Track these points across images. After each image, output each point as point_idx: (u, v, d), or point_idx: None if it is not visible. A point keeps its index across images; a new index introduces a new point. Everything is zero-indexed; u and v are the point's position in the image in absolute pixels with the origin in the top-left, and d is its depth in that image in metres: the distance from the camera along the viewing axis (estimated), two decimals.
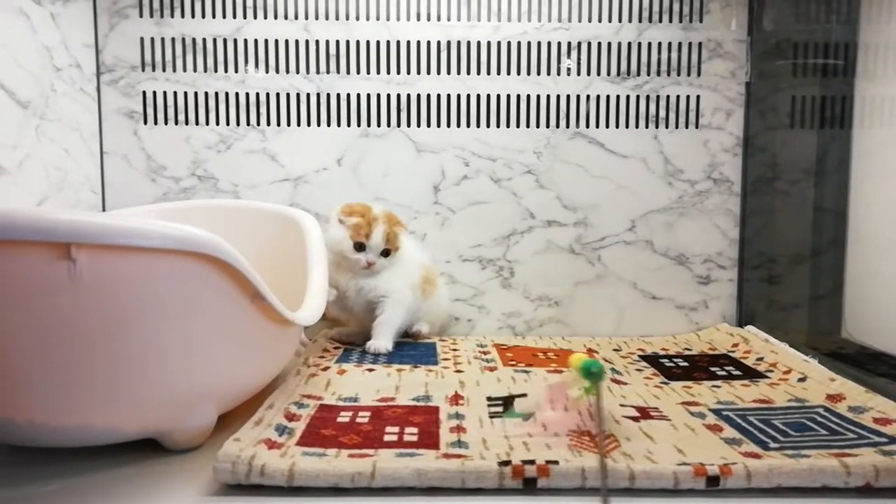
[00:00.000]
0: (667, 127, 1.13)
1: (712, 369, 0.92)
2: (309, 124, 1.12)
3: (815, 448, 0.63)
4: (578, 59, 1.12)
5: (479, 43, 1.12)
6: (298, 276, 0.85)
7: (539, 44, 1.12)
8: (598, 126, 1.13)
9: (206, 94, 1.11)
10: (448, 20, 1.11)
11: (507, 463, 0.58)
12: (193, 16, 1.10)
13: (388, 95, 1.12)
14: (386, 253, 1.00)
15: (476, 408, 0.75)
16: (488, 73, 1.12)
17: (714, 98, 1.13)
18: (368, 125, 1.12)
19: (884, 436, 0.66)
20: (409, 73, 1.12)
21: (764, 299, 1.14)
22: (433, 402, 0.77)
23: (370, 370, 0.90)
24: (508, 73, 1.12)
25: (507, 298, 1.15)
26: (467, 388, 0.82)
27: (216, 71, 1.11)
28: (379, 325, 1.00)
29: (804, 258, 1.12)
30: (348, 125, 1.12)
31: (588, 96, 1.13)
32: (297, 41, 1.11)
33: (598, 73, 1.12)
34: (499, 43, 1.12)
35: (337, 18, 1.11)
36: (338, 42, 1.11)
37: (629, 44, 1.12)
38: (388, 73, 1.12)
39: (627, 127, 1.13)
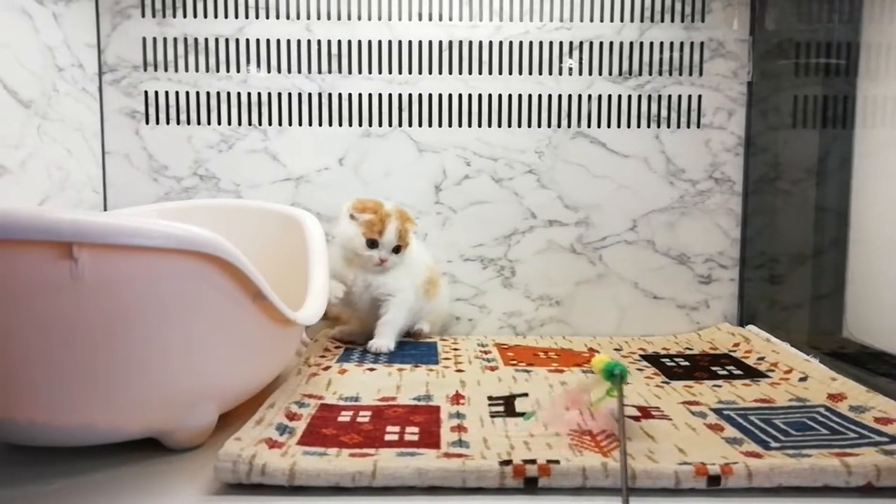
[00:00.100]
0: (668, 126, 1.13)
1: (713, 369, 0.92)
2: (311, 124, 1.12)
3: (816, 448, 0.63)
4: (580, 58, 1.12)
5: (480, 43, 1.12)
6: (300, 275, 0.85)
7: (541, 43, 1.12)
8: (599, 126, 1.13)
9: (208, 93, 1.11)
10: (450, 20, 1.11)
11: (508, 462, 0.58)
12: (195, 16, 1.10)
13: (390, 95, 1.12)
14: (397, 249, 1.00)
15: (477, 407, 0.75)
16: (490, 72, 1.12)
17: (716, 98, 1.13)
18: (370, 125, 1.13)
19: (885, 435, 0.66)
20: (410, 72, 1.12)
21: (765, 299, 1.14)
22: (434, 402, 0.77)
23: (371, 370, 0.90)
24: (510, 73, 1.12)
25: (509, 298, 1.15)
26: (468, 388, 0.82)
27: (218, 71, 1.11)
28: (382, 325, 1.00)
29: (806, 258, 1.12)
30: (350, 125, 1.12)
31: (590, 96, 1.13)
32: (298, 41, 1.11)
33: (600, 73, 1.12)
34: (500, 43, 1.12)
35: (339, 18, 1.11)
36: (339, 42, 1.11)
37: (631, 43, 1.12)
38: (390, 72, 1.12)
39: (629, 126, 1.13)
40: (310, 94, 1.12)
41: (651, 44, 1.12)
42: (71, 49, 1.02)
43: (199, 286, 0.61)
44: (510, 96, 1.12)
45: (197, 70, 1.11)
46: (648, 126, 1.13)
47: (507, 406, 0.75)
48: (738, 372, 0.90)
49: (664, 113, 1.13)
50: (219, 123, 1.12)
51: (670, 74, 1.12)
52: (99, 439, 0.63)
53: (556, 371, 0.90)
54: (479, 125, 1.13)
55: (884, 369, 0.88)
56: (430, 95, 1.12)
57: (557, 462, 0.58)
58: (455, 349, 1.02)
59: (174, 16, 1.10)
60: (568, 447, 0.63)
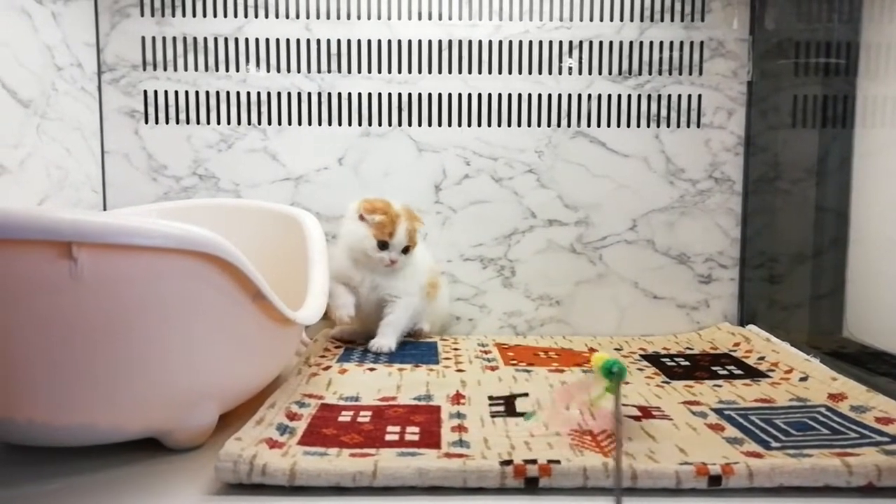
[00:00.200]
0: (668, 126, 1.13)
1: (714, 369, 0.92)
2: (310, 123, 1.12)
3: (816, 447, 0.63)
4: (580, 58, 1.12)
5: (480, 42, 1.11)
6: (299, 275, 0.85)
7: (540, 43, 1.12)
8: (599, 125, 1.13)
9: (208, 93, 1.11)
10: (449, 19, 1.11)
11: (508, 462, 0.58)
12: (195, 15, 1.10)
13: (390, 95, 1.12)
14: (406, 249, 0.99)
15: (477, 407, 0.75)
16: (489, 72, 1.12)
17: (715, 97, 1.12)
18: (370, 124, 1.12)
19: (886, 435, 0.66)
20: (410, 72, 1.12)
21: (765, 298, 1.14)
22: (434, 402, 0.77)
23: (371, 369, 0.90)
24: (510, 73, 1.12)
25: (509, 298, 1.15)
26: (468, 388, 0.82)
27: (217, 70, 1.11)
28: (385, 326, 1.00)
29: (805, 257, 1.12)
30: (349, 124, 1.12)
31: (589, 95, 1.13)
32: (298, 40, 1.11)
33: (600, 73, 1.12)
34: (500, 42, 1.12)
35: (338, 17, 1.11)
36: (339, 41, 1.11)
37: (630, 43, 1.12)
38: (390, 72, 1.12)
39: (629, 126, 1.13)
40: (309, 94, 1.12)
41: (651, 43, 1.12)
42: (70, 48, 1.01)
43: (198, 286, 0.61)
44: (510, 96, 1.12)
45: (196, 69, 1.11)
46: (648, 126, 1.13)
47: (507, 406, 0.75)
48: (739, 372, 0.90)
49: (664, 112, 1.13)
50: (218, 123, 1.11)
51: (670, 74, 1.12)
52: (99, 439, 0.63)
53: (557, 371, 0.90)
54: (479, 125, 1.13)
55: (884, 369, 0.88)
56: (430, 95, 1.12)
57: (558, 462, 0.58)
58: (455, 349, 1.02)
59: (173, 15, 1.10)
60: (569, 447, 0.63)
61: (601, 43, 1.12)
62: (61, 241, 0.53)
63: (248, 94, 1.11)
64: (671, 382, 0.86)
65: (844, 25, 1.07)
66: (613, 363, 0.67)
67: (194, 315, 0.62)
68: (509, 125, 1.13)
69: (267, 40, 1.11)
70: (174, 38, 1.10)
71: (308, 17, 1.10)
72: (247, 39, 1.10)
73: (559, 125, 1.13)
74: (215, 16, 1.10)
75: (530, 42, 1.12)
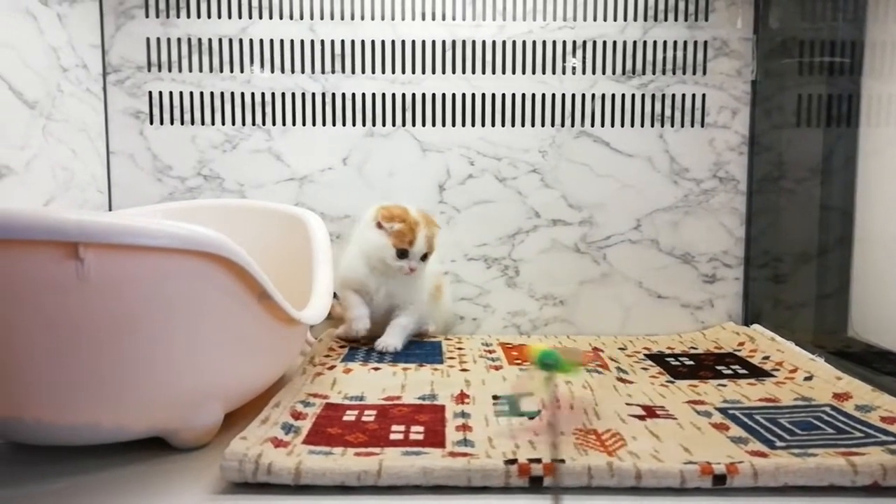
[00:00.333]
0: (672, 126, 1.13)
1: (718, 368, 0.91)
2: (314, 124, 1.12)
3: (821, 447, 0.63)
4: (583, 58, 1.12)
5: (484, 42, 1.12)
6: (304, 275, 0.85)
7: (544, 43, 1.12)
8: (603, 125, 1.13)
9: (212, 94, 1.11)
10: (453, 20, 1.11)
11: (513, 461, 0.58)
12: (199, 16, 1.10)
13: (394, 95, 1.12)
14: (424, 256, 0.98)
15: (482, 406, 0.75)
16: (493, 72, 1.12)
17: (720, 97, 1.12)
18: (374, 125, 1.13)
19: (891, 434, 0.65)
20: (414, 72, 1.12)
21: (770, 298, 1.14)
22: (439, 401, 0.77)
23: (376, 369, 0.90)
24: (514, 73, 1.12)
25: (513, 297, 1.15)
26: (473, 387, 0.82)
27: (222, 71, 1.11)
28: (394, 326, 1.00)
29: (810, 257, 1.12)
30: (353, 125, 1.13)
31: (593, 95, 1.13)
32: (302, 41, 1.11)
33: (604, 72, 1.12)
34: (504, 42, 1.12)
35: (342, 18, 1.11)
36: (343, 42, 1.11)
37: (634, 42, 1.12)
38: (394, 72, 1.12)
39: (633, 126, 1.13)
40: (313, 94, 1.12)
41: (654, 43, 1.12)
42: (75, 50, 1.02)
43: (204, 286, 0.61)
44: (514, 96, 1.12)
45: (201, 70, 1.11)
46: (652, 125, 1.13)
47: (511, 405, 0.75)
48: (743, 371, 0.90)
49: (668, 112, 1.13)
50: (223, 123, 1.12)
51: (674, 73, 1.12)
52: (105, 438, 0.63)
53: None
54: (483, 125, 1.13)
55: (889, 368, 0.88)
56: (434, 95, 1.12)
57: (563, 461, 0.58)
58: (459, 348, 1.02)
59: (178, 16, 1.10)
60: (573, 446, 0.63)
61: (605, 43, 1.12)
62: (67, 242, 0.53)
63: (253, 94, 1.12)
64: (675, 382, 0.86)
65: (849, 24, 1.07)
66: (547, 355, 0.67)
67: (200, 315, 0.62)
68: (513, 125, 1.13)
69: (271, 41, 1.11)
70: (179, 40, 1.10)
71: (312, 18, 1.11)
72: (251, 40, 1.11)
73: (563, 125, 1.13)
74: (220, 17, 1.10)
75: (534, 42, 1.12)
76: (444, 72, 1.12)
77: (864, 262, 1.06)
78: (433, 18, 1.11)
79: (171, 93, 1.11)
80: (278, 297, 0.67)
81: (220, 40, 1.11)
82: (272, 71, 1.11)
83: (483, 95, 1.12)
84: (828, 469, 0.58)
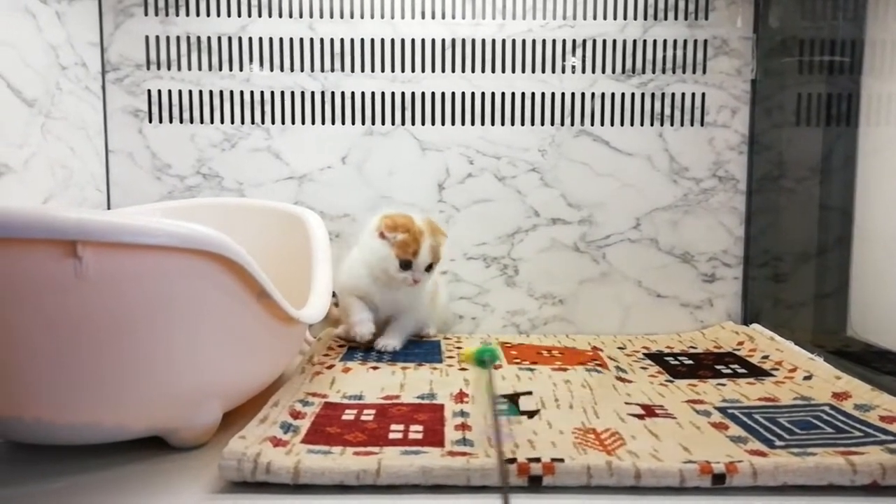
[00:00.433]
0: (672, 125, 1.13)
1: (717, 367, 0.91)
2: (314, 122, 1.12)
3: (821, 446, 0.63)
4: (583, 56, 1.12)
5: (483, 41, 1.11)
6: (303, 273, 0.85)
7: (544, 41, 1.12)
8: (602, 124, 1.13)
9: (211, 92, 1.11)
10: (453, 18, 1.11)
11: (512, 461, 0.58)
12: (198, 14, 1.10)
13: (393, 93, 1.12)
14: (429, 267, 0.96)
15: (481, 406, 0.75)
16: (493, 71, 1.12)
17: (719, 96, 1.12)
18: (373, 123, 1.12)
19: (890, 434, 0.65)
20: (413, 71, 1.12)
21: (769, 297, 1.14)
22: (438, 400, 0.77)
23: (375, 368, 0.90)
24: (513, 71, 1.12)
25: (512, 296, 1.15)
26: (472, 386, 0.82)
27: (221, 69, 1.11)
28: (393, 328, 1.00)
29: (810, 256, 1.12)
30: (353, 123, 1.12)
31: (593, 94, 1.13)
32: (301, 39, 1.11)
33: (604, 71, 1.12)
34: (504, 41, 1.12)
35: (342, 17, 1.11)
36: (342, 40, 1.11)
37: (634, 41, 1.12)
38: (393, 71, 1.12)
39: (632, 125, 1.13)
40: (313, 93, 1.12)
41: (654, 41, 1.12)
42: (74, 48, 1.02)
43: (203, 285, 0.61)
44: (513, 94, 1.12)
45: (200, 68, 1.11)
46: (652, 124, 1.13)
47: (511, 404, 0.75)
48: (743, 370, 0.90)
49: (668, 111, 1.13)
50: (222, 122, 1.12)
51: (674, 72, 1.12)
52: (104, 438, 0.63)
53: (560, 369, 0.90)
54: (483, 123, 1.13)
55: (888, 368, 0.88)
56: (434, 94, 1.12)
57: (562, 460, 0.58)
58: (459, 348, 1.02)
59: (177, 14, 1.10)
60: (572, 445, 0.63)
61: (605, 41, 1.12)
62: (66, 240, 0.53)
63: (252, 93, 1.11)
64: (675, 381, 0.86)
65: (849, 23, 1.07)
66: (483, 352, 0.69)
67: (199, 314, 0.62)
68: (513, 124, 1.13)
69: (270, 39, 1.11)
70: (178, 38, 1.10)
71: (311, 17, 1.11)
72: (250, 38, 1.11)
73: (563, 124, 1.13)
74: (219, 15, 1.10)
75: (534, 41, 1.12)
76: (443, 70, 1.12)
77: (864, 262, 1.06)
78: (433, 17, 1.11)
79: (170, 91, 1.11)
80: (277, 296, 0.67)
81: (220, 38, 1.10)
82: (271, 69, 1.11)
83: (483, 94, 1.12)
84: (827, 468, 0.58)
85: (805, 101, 1.10)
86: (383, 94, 1.12)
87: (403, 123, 1.12)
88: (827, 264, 1.11)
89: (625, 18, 1.11)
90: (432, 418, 0.71)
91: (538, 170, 1.13)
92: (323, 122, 1.12)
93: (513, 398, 0.77)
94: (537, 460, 0.58)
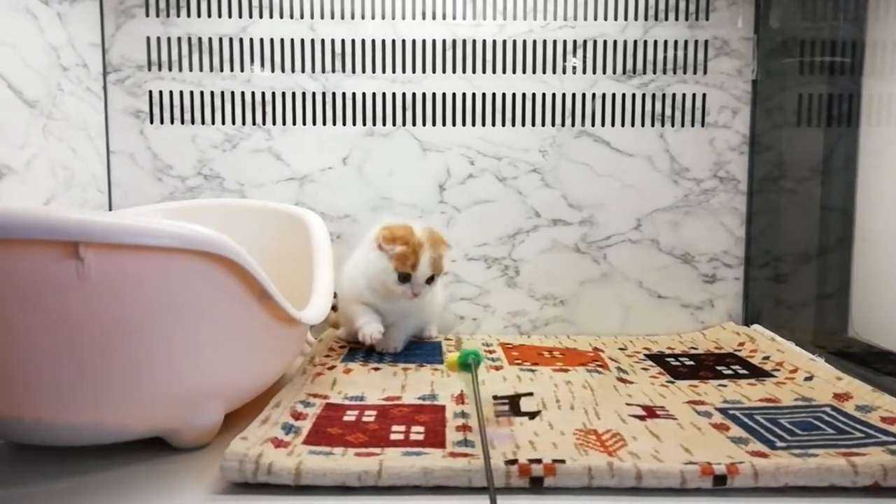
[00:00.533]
0: (673, 125, 1.13)
1: (718, 368, 0.91)
2: (314, 123, 1.12)
3: (822, 447, 0.63)
4: (584, 57, 1.12)
5: (484, 42, 1.11)
6: (304, 274, 0.85)
7: (545, 42, 1.12)
8: (603, 125, 1.13)
9: (212, 93, 1.11)
10: (453, 19, 1.11)
11: (513, 462, 0.58)
12: (199, 15, 1.10)
13: (394, 94, 1.12)
14: (431, 280, 0.93)
15: (482, 406, 0.75)
16: (494, 71, 1.12)
17: (720, 96, 1.12)
18: (374, 124, 1.12)
19: (891, 435, 0.65)
20: (414, 71, 1.12)
21: (770, 298, 1.14)
22: (439, 401, 0.77)
23: (376, 369, 0.90)
24: (514, 72, 1.12)
25: (513, 297, 1.15)
26: (466, 390, 0.82)
27: (222, 70, 1.11)
28: (394, 330, 0.99)
29: (811, 257, 1.12)
30: (353, 124, 1.12)
31: (594, 95, 1.13)
32: (302, 40, 1.11)
33: (604, 72, 1.12)
34: (504, 41, 1.12)
35: (342, 17, 1.11)
36: (343, 41, 1.11)
37: (635, 42, 1.12)
38: (394, 71, 1.12)
39: (633, 125, 1.13)
40: (314, 94, 1.12)
41: (655, 42, 1.12)
42: (75, 49, 1.02)
43: (204, 286, 0.61)
44: (514, 95, 1.12)
45: (201, 69, 1.11)
46: (653, 125, 1.13)
47: (512, 405, 0.75)
48: (744, 371, 0.90)
49: (668, 112, 1.13)
50: (223, 123, 1.12)
51: (674, 73, 1.12)
52: (105, 438, 0.63)
53: (561, 370, 0.90)
54: (483, 124, 1.13)
55: (889, 368, 0.88)
56: (434, 94, 1.12)
57: (563, 461, 0.58)
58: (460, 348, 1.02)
59: (178, 15, 1.10)
60: (573, 446, 0.63)
61: (605, 42, 1.12)
62: (68, 241, 0.53)
63: (253, 94, 1.11)
64: (676, 382, 0.86)
65: (850, 24, 1.07)
66: (467, 355, 0.70)
67: (200, 315, 0.62)
68: (513, 125, 1.13)
69: (271, 40, 1.11)
70: (179, 39, 1.10)
71: (312, 18, 1.11)
72: (251, 39, 1.11)
73: (563, 125, 1.13)
74: (220, 16, 1.10)
75: (534, 41, 1.12)
76: (444, 71, 1.12)
77: (865, 262, 1.06)
78: (433, 18, 1.11)
79: (171, 92, 1.11)
80: (279, 297, 0.67)
81: (221, 39, 1.11)
82: (272, 70, 1.11)
83: (483, 95, 1.12)
84: (828, 469, 0.58)
85: (806, 101, 1.10)
86: (384, 94, 1.12)
87: (404, 124, 1.12)
88: (828, 265, 1.11)
89: (625, 19, 1.12)
90: (433, 419, 0.71)
91: (539, 170, 1.13)
92: (324, 123, 1.12)
93: (513, 399, 0.77)
94: (538, 461, 0.58)
